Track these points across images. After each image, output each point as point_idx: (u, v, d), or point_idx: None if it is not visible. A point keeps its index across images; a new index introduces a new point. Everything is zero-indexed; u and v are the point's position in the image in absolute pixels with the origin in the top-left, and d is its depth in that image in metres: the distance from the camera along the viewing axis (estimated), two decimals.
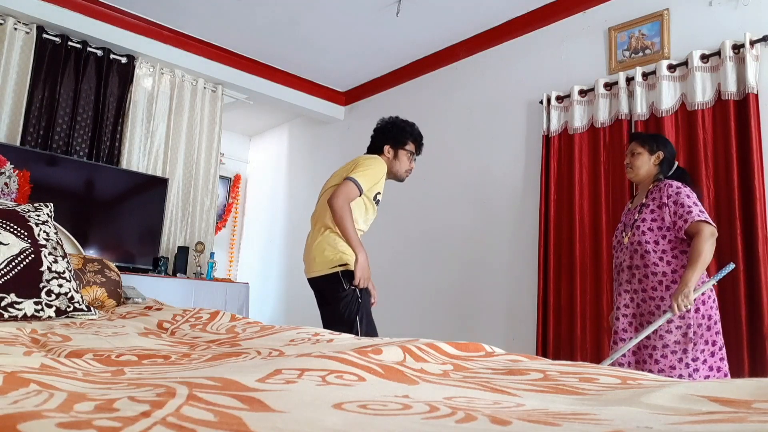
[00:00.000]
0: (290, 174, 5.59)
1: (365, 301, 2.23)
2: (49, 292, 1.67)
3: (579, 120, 3.12)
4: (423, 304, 3.95)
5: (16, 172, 3.16)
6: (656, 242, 2.10)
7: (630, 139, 2.34)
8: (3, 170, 3.09)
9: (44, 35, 3.57)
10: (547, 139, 3.25)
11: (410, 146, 2.45)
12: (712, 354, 2.03)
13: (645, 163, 2.20)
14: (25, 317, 1.57)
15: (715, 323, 2.06)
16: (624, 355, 2.09)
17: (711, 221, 2.02)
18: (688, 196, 2.06)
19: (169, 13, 3.83)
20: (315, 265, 2.28)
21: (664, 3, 2.92)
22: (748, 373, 2.27)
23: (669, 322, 2.02)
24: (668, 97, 2.76)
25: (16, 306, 1.56)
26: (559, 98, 3.24)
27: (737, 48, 2.55)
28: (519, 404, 0.62)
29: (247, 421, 0.47)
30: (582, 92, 3.14)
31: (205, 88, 4.33)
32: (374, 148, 2.47)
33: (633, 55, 3.01)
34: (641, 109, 2.85)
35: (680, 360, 2.00)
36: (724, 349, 2.07)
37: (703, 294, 2.04)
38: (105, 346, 1.13)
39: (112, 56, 3.84)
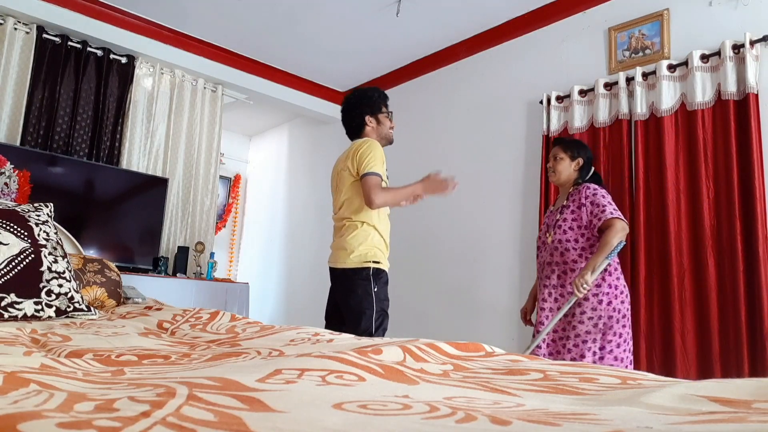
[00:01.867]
0: (290, 174, 5.59)
1: (381, 301, 2.25)
2: (49, 292, 1.67)
3: (579, 120, 3.12)
4: (423, 303, 3.95)
5: (16, 172, 3.16)
6: (576, 240, 2.26)
7: (553, 144, 2.48)
8: (3, 170, 3.09)
9: (44, 35, 3.57)
10: (547, 139, 3.25)
11: (384, 108, 2.50)
12: (618, 345, 2.17)
13: (566, 168, 2.38)
14: (25, 317, 1.57)
15: (624, 317, 2.21)
16: (539, 347, 2.22)
17: (623, 218, 2.19)
18: (604, 197, 2.24)
19: (169, 13, 3.83)
20: (345, 256, 2.27)
21: (664, 3, 2.92)
22: (748, 373, 2.27)
23: (582, 313, 2.17)
24: (668, 97, 2.76)
25: (16, 306, 1.56)
26: (559, 98, 3.24)
27: (737, 48, 2.55)
28: (519, 404, 0.63)
29: (247, 421, 0.47)
30: (582, 92, 3.14)
31: (205, 88, 4.33)
32: (356, 126, 2.46)
33: (633, 55, 3.01)
34: (641, 109, 2.85)
35: (589, 349, 2.15)
36: (631, 343, 2.24)
37: (615, 288, 2.21)
38: (105, 346, 1.13)
39: (112, 56, 3.84)
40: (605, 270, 2.21)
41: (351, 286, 2.25)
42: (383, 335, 2.26)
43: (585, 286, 2.09)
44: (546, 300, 2.30)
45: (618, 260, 2.33)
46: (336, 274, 2.34)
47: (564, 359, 2.13)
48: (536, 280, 2.53)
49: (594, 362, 2.08)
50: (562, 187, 2.43)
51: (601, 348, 2.15)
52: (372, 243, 2.27)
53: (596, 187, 2.29)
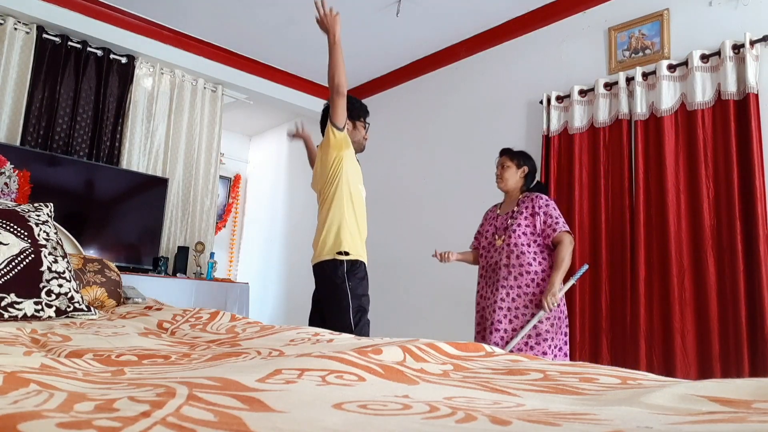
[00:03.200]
0: (290, 174, 5.59)
1: (358, 296, 2.25)
2: (49, 292, 1.67)
3: (579, 120, 3.12)
4: (423, 304, 3.95)
5: (16, 172, 3.16)
6: (529, 245, 2.43)
7: (501, 153, 2.66)
8: (3, 170, 3.09)
9: (44, 35, 3.57)
10: (547, 139, 3.25)
11: (362, 118, 2.56)
12: (566, 343, 2.45)
13: (513, 176, 2.57)
14: (25, 317, 1.57)
15: (566, 317, 2.48)
16: (497, 343, 2.38)
17: (570, 231, 2.44)
18: (555, 209, 2.46)
19: (169, 13, 3.83)
20: (319, 250, 2.31)
21: (664, 3, 2.92)
22: (748, 373, 2.27)
23: (540, 321, 2.37)
24: (668, 97, 2.76)
25: (16, 306, 1.56)
26: (559, 98, 3.24)
27: (737, 48, 2.55)
28: (519, 404, 0.63)
29: (247, 421, 0.47)
30: (582, 92, 3.14)
31: (205, 88, 4.33)
32: (324, 129, 2.49)
33: (633, 55, 3.01)
34: (641, 109, 2.85)
35: (549, 346, 2.37)
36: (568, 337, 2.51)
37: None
38: (105, 346, 1.13)
39: (112, 56, 3.84)
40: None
41: (324, 282, 2.28)
42: (362, 334, 2.25)
43: (555, 304, 2.30)
44: (504, 299, 2.42)
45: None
46: (314, 271, 2.36)
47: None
48: (468, 256, 2.72)
49: (553, 358, 2.33)
50: (509, 193, 2.62)
51: (557, 346, 2.40)
52: (341, 233, 2.27)
53: (548, 198, 2.50)
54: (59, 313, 1.67)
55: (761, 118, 2.48)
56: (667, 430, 0.47)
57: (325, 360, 0.79)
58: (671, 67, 2.78)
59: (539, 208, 2.44)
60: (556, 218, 2.41)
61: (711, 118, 2.63)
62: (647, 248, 2.73)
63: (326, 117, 2.45)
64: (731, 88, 2.55)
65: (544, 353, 2.36)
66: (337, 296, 2.22)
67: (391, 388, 0.70)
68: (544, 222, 2.41)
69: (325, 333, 1.33)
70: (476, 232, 2.78)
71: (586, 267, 2.52)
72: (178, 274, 3.83)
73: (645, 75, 2.87)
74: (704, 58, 2.67)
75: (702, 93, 2.65)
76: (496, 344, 2.35)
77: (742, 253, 2.42)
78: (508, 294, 2.41)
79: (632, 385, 0.74)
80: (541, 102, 3.32)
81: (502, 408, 0.59)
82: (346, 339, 1.24)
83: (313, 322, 2.39)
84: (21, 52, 3.50)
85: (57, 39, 3.61)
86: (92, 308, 1.82)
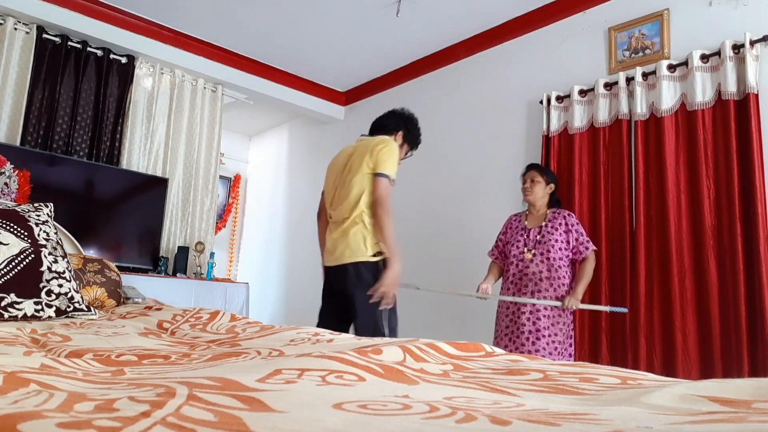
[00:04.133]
0: (290, 174, 5.59)
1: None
2: (49, 292, 1.67)
3: (579, 120, 3.12)
4: (423, 303, 3.95)
5: (16, 172, 3.16)
6: (562, 259, 2.62)
7: (529, 168, 2.80)
8: (3, 170, 3.09)
9: (44, 35, 3.57)
10: (547, 139, 3.25)
11: (412, 147, 2.54)
12: (572, 346, 2.63)
13: (541, 190, 2.72)
14: (25, 317, 1.57)
15: (572, 325, 2.67)
16: (544, 348, 2.52)
17: (596, 249, 2.66)
18: (582, 228, 2.67)
19: (169, 13, 3.83)
20: (349, 252, 2.25)
21: (664, 3, 2.92)
22: (748, 373, 2.27)
23: (555, 324, 2.54)
24: (668, 97, 2.76)
25: (16, 306, 1.56)
26: (559, 98, 3.24)
27: (737, 48, 2.55)
28: (519, 404, 0.63)
29: (247, 421, 0.47)
30: (582, 92, 3.14)
31: (205, 88, 4.33)
32: (387, 128, 2.45)
33: (633, 55, 3.01)
34: (641, 109, 2.85)
35: (565, 349, 2.55)
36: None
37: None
38: (105, 346, 1.13)
39: (112, 56, 3.84)
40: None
41: (360, 282, 2.22)
42: (394, 335, 2.25)
43: (574, 307, 2.52)
44: (546, 308, 2.57)
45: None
46: (341, 271, 2.27)
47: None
48: (493, 274, 2.86)
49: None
50: (534, 206, 2.75)
51: (569, 354, 2.59)
52: (376, 237, 2.28)
53: (574, 216, 2.70)
54: (59, 313, 1.67)
55: (761, 118, 2.48)
56: (667, 430, 0.47)
57: (325, 360, 0.79)
58: (671, 67, 2.78)
59: (572, 226, 2.64)
60: (587, 238, 2.64)
61: (711, 118, 2.63)
62: (647, 248, 2.73)
63: (395, 118, 2.47)
64: (731, 88, 2.54)
65: (550, 354, 2.51)
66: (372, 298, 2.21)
67: (391, 388, 0.70)
68: (577, 239, 2.61)
69: (325, 333, 1.33)
70: (497, 239, 2.88)
71: (625, 310, 2.64)
72: (178, 274, 3.83)
73: (645, 75, 2.87)
74: (704, 58, 2.67)
75: (702, 93, 2.65)
76: (544, 348, 2.51)
77: (743, 252, 2.42)
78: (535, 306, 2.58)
79: (632, 385, 0.74)
80: (541, 102, 3.32)
81: (502, 408, 0.59)
82: (346, 339, 1.24)
83: (330, 322, 2.32)
84: (21, 52, 3.50)
85: (57, 39, 3.61)
86: (92, 308, 1.82)
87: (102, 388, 0.66)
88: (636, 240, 2.75)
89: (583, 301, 2.64)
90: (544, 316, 2.56)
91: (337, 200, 2.37)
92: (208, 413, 0.49)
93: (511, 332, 2.65)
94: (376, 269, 2.25)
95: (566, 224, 2.64)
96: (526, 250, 2.68)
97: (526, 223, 2.77)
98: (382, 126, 2.47)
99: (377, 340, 1.16)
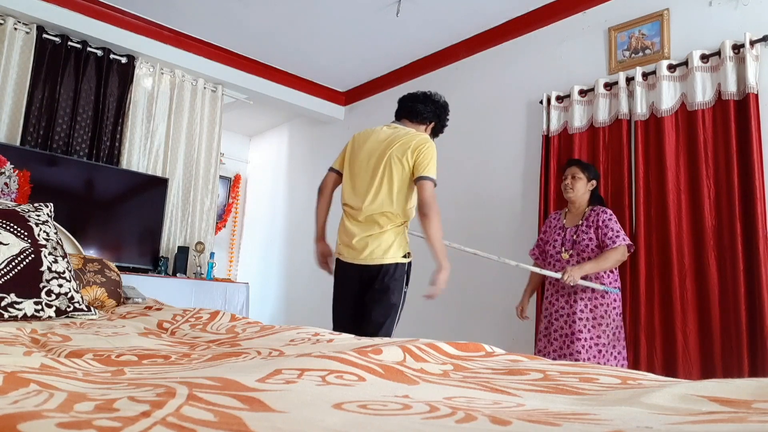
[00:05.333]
0: (290, 174, 5.59)
1: (405, 300, 2.30)
2: (49, 292, 1.67)
3: (579, 120, 3.12)
4: (423, 303, 3.95)
5: (16, 172, 3.16)
6: (590, 258, 2.51)
7: (570, 163, 2.67)
8: (3, 170, 3.09)
9: (44, 35, 3.57)
10: (546, 139, 3.25)
11: (435, 134, 2.51)
12: (624, 347, 2.50)
13: (582, 187, 2.59)
14: (25, 317, 1.57)
15: (622, 328, 2.53)
16: (579, 351, 2.42)
17: (631, 244, 2.49)
18: (616, 222, 2.51)
19: (169, 13, 3.83)
20: (380, 252, 2.22)
21: (664, 3, 2.92)
22: (748, 373, 2.27)
23: (606, 324, 2.44)
24: (668, 97, 2.76)
25: (16, 306, 1.56)
26: (559, 98, 3.24)
27: (737, 48, 2.55)
28: (519, 404, 0.63)
29: (247, 421, 0.47)
30: (582, 92, 3.14)
31: (205, 88, 4.33)
32: (422, 117, 2.41)
33: (633, 55, 3.01)
34: (641, 109, 2.85)
35: (612, 354, 2.44)
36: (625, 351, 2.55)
37: (619, 300, 2.51)
38: (105, 346, 1.13)
39: (112, 56, 3.84)
40: (617, 281, 2.52)
41: (388, 283, 2.21)
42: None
43: (571, 281, 2.37)
44: (583, 311, 2.47)
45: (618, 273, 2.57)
46: (371, 270, 2.23)
47: (601, 364, 2.40)
48: (534, 279, 2.78)
49: (615, 365, 2.38)
50: (574, 204, 2.63)
51: (619, 353, 2.47)
52: (406, 238, 2.28)
53: (611, 212, 2.54)
54: (59, 313, 1.67)
55: (761, 118, 2.48)
56: (667, 430, 0.47)
57: (325, 360, 0.79)
58: (671, 67, 2.78)
59: (602, 222, 2.50)
60: (617, 231, 2.46)
61: (711, 118, 2.63)
62: (647, 248, 2.73)
63: (429, 105, 2.43)
64: (731, 88, 2.54)
65: (608, 361, 2.43)
66: (395, 299, 2.24)
67: (391, 388, 0.70)
68: (604, 234, 2.47)
69: (325, 333, 1.33)
70: (538, 239, 2.82)
71: (617, 291, 2.50)
72: (178, 274, 3.83)
73: (645, 75, 2.87)
74: (704, 58, 2.67)
75: (702, 93, 2.65)
76: (578, 352, 2.42)
77: (743, 252, 2.42)
78: (586, 306, 2.48)
79: (632, 385, 0.74)
80: (541, 102, 3.32)
81: (502, 408, 0.59)
82: (346, 339, 1.24)
83: (349, 325, 2.28)
84: (21, 52, 3.50)
85: (57, 39, 3.61)
86: (92, 308, 1.82)
87: (102, 388, 0.66)
88: (636, 240, 2.75)
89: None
90: (579, 319, 2.45)
91: (362, 190, 2.26)
92: (208, 413, 0.49)
93: (549, 335, 2.57)
94: (404, 271, 2.26)
95: (598, 221, 2.51)
96: (563, 250, 2.59)
97: (564, 221, 2.66)
98: (417, 113, 2.40)
99: (377, 340, 1.16)
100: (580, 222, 2.56)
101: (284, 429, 0.46)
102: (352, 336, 1.35)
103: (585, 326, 2.45)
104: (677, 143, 2.72)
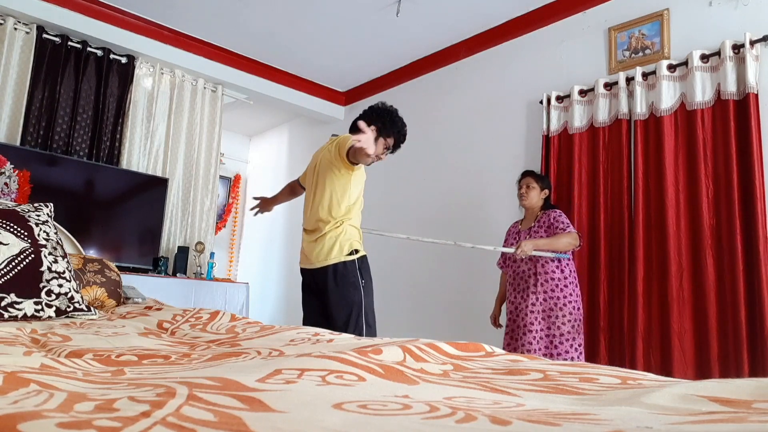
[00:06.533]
0: (290, 174, 5.58)
1: (368, 293, 2.28)
2: (49, 292, 1.67)
3: (579, 120, 3.12)
4: (423, 304, 3.95)
5: (16, 172, 3.16)
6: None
7: (525, 174, 2.86)
8: (3, 170, 3.09)
9: (44, 35, 3.57)
10: (546, 139, 3.25)
11: (390, 140, 2.45)
12: (581, 344, 2.60)
13: (536, 196, 2.79)
14: (25, 317, 1.57)
15: (582, 321, 2.65)
16: (531, 342, 2.57)
17: (579, 235, 2.65)
18: (566, 218, 2.69)
19: (169, 13, 3.83)
20: (325, 254, 2.29)
21: (664, 3, 2.92)
22: (748, 373, 2.27)
23: (563, 316, 2.56)
24: (668, 97, 2.76)
25: (16, 306, 1.56)
26: (559, 98, 3.24)
27: (737, 48, 2.55)
28: (519, 404, 0.63)
29: (247, 421, 0.47)
30: (582, 92, 3.14)
31: (205, 88, 4.33)
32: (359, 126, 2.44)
33: (633, 55, 3.01)
34: (641, 109, 2.85)
35: (572, 346, 2.55)
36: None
37: (579, 297, 2.64)
38: (105, 346, 1.13)
39: (112, 56, 3.84)
40: (573, 279, 2.65)
41: (339, 283, 2.25)
42: (372, 334, 2.25)
43: (523, 255, 2.52)
44: (534, 304, 2.61)
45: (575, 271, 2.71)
46: (320, 273, 2.31)
47: (553, 355, 2.53)
48: (502, 287, 3.00)
49: (573, 358, 2.52)
50: (529, 211, 2.83)
51: (580, 345, 2.59)
52: (350, 236, 2.31)
53: (560, 211, 2.74)
54: (59, 313, 1.67)
55: (761, 118, 2.48)
56: (667, 430, 0.47)
57: (325, 360, 0.79)
58: (671, 67, 2.78)
59: (553, 218, 2.68)
60: (567, 223, 2.64)
61: (711, 118, 2.63)
62: (646, 247, 2.73)
63: (367, 117, 2.47)
64: (731, 88, 2.55)
65: (566, 352, 2.55)
66: (350, 296, 2.25)
67: (391, 388, 0.70)
68: (556, 227, 2.63)
69: (325, 333, 1.33)
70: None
71: (567, 256, 2.64)
72: (178, 274, 3.83)
73: (645, 75, 2.87)
74: (704, 58, 2.67)
75: (702, 93, 2.65)
76: (530, 343, 2.56)
77: (742, 253, 2.42)
78: (537, 299, 2.62)
79: (632, 385, 0.74)
80: (541, 102, 3.32)
81: (502, 408, 0.59)
82: (346, 339, 1.24)
83: (318, 324, 2.32)
84: (21, 52, 3.50)
85: (57, 39, 3.61)
86: (92, 308, 1.81)
87: (102, 388, 0.66)
88: (635, 239, 2.75)
89: (582, 304, 2.65)
90: (531, 312, 2.59)
91: (307, 202, 2.44)
92: (208, 413, 0.49)
93: (512, 330, 2.70)
94: (354, 267, 2.29)
95: (549, 220, 2.69)
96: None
97: (520, 227, 2.87)
98: (356, 120, 2.40)
99: (377, 340, 1.16)
100: (533, 224, 2.76)
101: (284, 429, 0.46)
102: (352, 336, 1.35)
103: (536, 318, 2.58)
104: (676, 143, 2.72)
